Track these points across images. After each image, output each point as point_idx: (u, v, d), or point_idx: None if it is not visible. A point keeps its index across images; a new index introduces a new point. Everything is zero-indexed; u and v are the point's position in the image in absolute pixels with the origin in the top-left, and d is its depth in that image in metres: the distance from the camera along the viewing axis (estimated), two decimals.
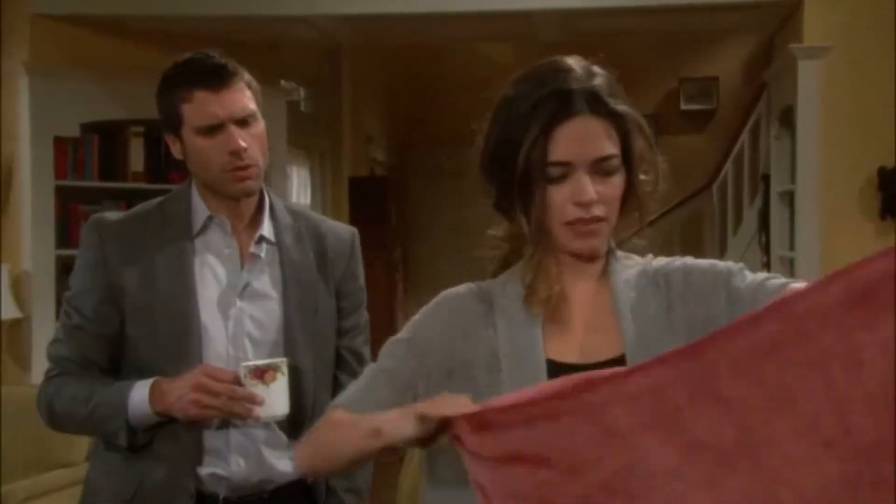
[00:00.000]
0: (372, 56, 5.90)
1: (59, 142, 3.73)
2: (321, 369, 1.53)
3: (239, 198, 1.49)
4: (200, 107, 1.45)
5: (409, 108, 6.71)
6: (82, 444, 3.04)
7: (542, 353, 1.01)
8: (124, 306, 1.46)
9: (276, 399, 1.41)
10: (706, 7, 3.91)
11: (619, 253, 1.08)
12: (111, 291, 1.46)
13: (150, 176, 3.98)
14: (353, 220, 4.92)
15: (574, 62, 1.02)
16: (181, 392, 1.39)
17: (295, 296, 1.51)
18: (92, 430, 1.49)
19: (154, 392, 1.42)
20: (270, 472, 1.49)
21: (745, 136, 5.33)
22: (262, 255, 1.51)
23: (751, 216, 5.09)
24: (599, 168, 0.99)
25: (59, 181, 3.72)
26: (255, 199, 1.53)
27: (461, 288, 1.11)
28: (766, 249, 4.42)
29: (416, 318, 1.11)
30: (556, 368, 1.01)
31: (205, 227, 1.50)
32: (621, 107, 1.00)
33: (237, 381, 1.40)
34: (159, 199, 1.55)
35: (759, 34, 4.56)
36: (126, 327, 1.46)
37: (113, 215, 1.54)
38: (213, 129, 1.45)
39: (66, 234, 3.80)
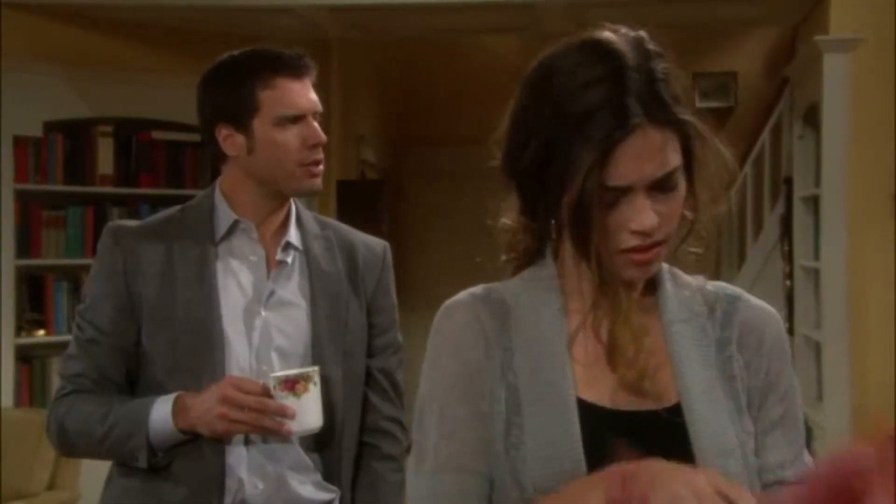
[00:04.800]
0: (363, 50, 5.88)
1: (20, 141, 3.70)
2: (350, 386, 1.54)
3: (305, 196, 1.53)
4: (285, 95, 1.47)
5: (404, 106, 6.69)
6: (42, 474, 3.00)
7: (572, 390, 0.93)
8: (142, 316, 1.46)
9: (308, 411, 1.42)
10: None
11: (668, 270, 1.00)
12: (128, 301, 1.47)
13: (120, 179, 3.96)
14: None
15: (626, 46, 0.91)
16: (207, 406, 1.40)
17: (324, 306, 1.52)
18: (108, 450, 1.47)
19: (177, 407, 1.42)
20: (293, 498, 1.48)
21: (765, 136, 5.31)
22: (289, 261, 1.53)
23: (772, 222, 5.07)
24: (660, 186, 0.90)
25: (18, 185, 3.69)
26: (285, 208, 1.56)
27: (464, 297, 1.00)
28: (789, 258, 4.40)
29: (426, 364, 1.00)
30: (590, 412, 0.93)
31: (229, 233, 1.52)
32: (684, 114, 0.91)
33: (266, 394, 1.40)
34: (180, 205, 1.57)
35: (782, 25, 4.54)
36: (143, 339, 1.47)
37: (130, 222, 1.57)
38: (295, 120, 1.48)
39: (27, 242, 3.76)
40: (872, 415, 3.41)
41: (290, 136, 1.48)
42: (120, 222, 1.57)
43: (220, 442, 1.44)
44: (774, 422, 0.97)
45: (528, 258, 1.02)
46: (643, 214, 0.89)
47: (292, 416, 1.40)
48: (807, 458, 0.99)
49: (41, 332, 3.80)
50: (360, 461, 1.58)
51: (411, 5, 3.89)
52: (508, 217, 1.02)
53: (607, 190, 0.89)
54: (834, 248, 3.67)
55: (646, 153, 0.89)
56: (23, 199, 3.72)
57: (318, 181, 1.52)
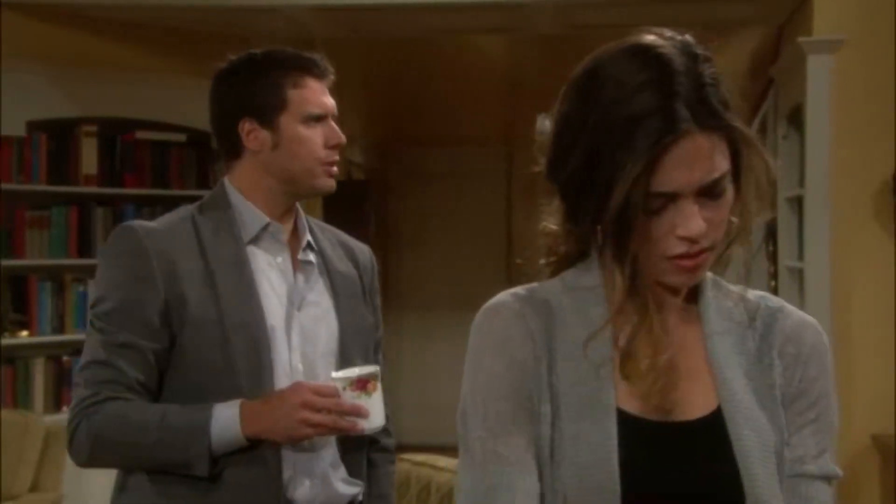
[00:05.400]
0: (350, 50, 5.86)
1: (3, 141, 3.68)
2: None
3: (321, 195, 1.57)
4: (313, 94, 1.53)
5: (391, 106, 6.69)
6: (26, 475, 2.98)
7: (612, 400, 0.92)
8: (183, 320, 1.44)
9: (377, 409, 1.46)
10: None
11: (711, 278, 1.00)
12: (164, 304, 1.44)
13: (104, 179, 3.94)
14: None
15: (673, 50, 0.90)
16: (284, 412, 1.40)
17: (346, 304, 1.58)
18: (159, 459, 1.44)
19: (245, 413, 1.41)
20: (333, 494, 1.52)
21: None
22: (314, 260, 1.57)
23: (757, 223, 5.09)
24: (708, 192, 0.89)
25: (2, 184, 3.67)
26: (295, 209, 1.59)
27: (507, 298, 0.98)
28: (774, 259, 4.42)
29: (468, 364, 0.98)
30: (630, 423, 0.92)
31: (259, 235, 1.53)
32: (733, 119, 0.90)
33: (338, 395, 1.44)
34: (192, 205, 1.56)
35: (766, 26, 4.57)
36: (182, 342, 1.45)
37: (147, 223, 1.53)
38: (319, 120, 1.53)
39: (10, 242, 3.74)
40: (857, 413, 3.43)
41: (315, 134, 1.53)
42: (141, 223, 1.52)
43: (279, 448, 1.45)
44: (802, 425, 0.97)
45: (569, 263, 1.01)
46: (691, 221, 0.89)
47: (366, 416, 1.44)
48: (829, 458, 0.98)
49: (24, 332, 3.78)
50: None
51: (399, 5, 3.89)
52: (550, 221, 1.01)
53: (654, 196, 0.89)
54: (818, 248, 3.69)
55: (694, 159, 0.88)
56: (6, 198, 3.70)
57: (334, 182, 1.57)
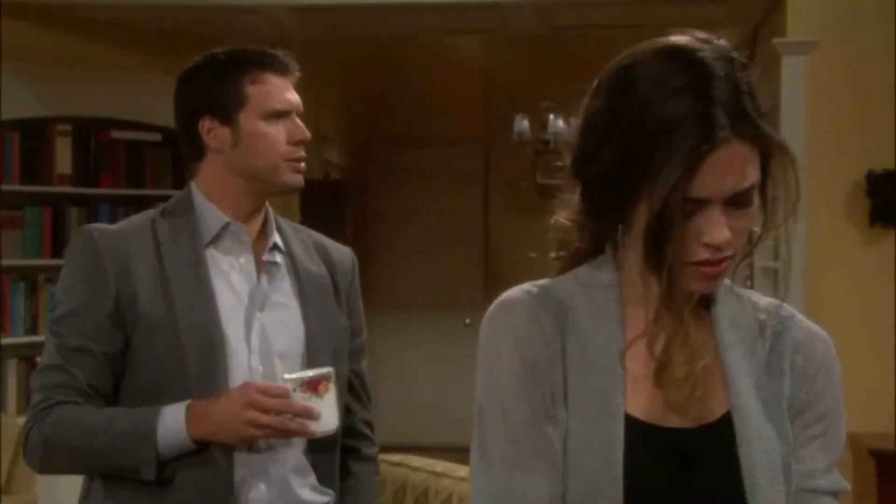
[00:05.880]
0: (327, 49, 5.85)
1: None
2: (340, 387, 1.54)
3: (289, 192, 1.54)
4: (273, 90, 1.50)
5: (369, 106, 6.68)
6: None
7: (620, 406, 0.92)
8: (134, 322, 1.43)
9: (329, 411, 1.43)
10: None
11: (726, 285, 0.99)
12: (116, 307, 1.43)
13: (79, 179, 3.90)
14: None
15: (712, 55, 0.89)
16: (232, 413, 1.38)
17: (314, 306, 1.54)
18: (108, 463, 1.42)
19: (191, 415, 1.39)
20: (294, 500, 1.48)
21: None
22: (279, 261, 1.54)
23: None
24: (737, 200, 0.89)
25: None
26: (264, 208, 1.56)
27: (520, 294, 0.97)
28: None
29: (483, 362, 0.98)
30: (637, 428, 0.92)
31: (218, 236, 1.51)
32: (769, 129, 0.90)
33: (288, 396, 1.41)
34: (156, 207, 1.54)
35: (742, 27, 4.61)
36: (135, 345, 1.43)
37: (107, 225, 1.52)
38: (281, 116, 1.50)
39: None
40: None
41: (276, 130, 1.50)
42: (97, 225, 1.52)
43: (230, 449, 1.42)
44: (811, 438, 0.98)
45: (581, 258, 1.00)
46: (717, 229, 0.89)
47: (317, 417, 1.41)
48: (837, 472, 0.99)
49: None
50: (340, 463, 1.59)
51: (377, 5, 3.88)
52: (564, 215, 0.99)
53: (687, 201, 0.88)
54: (791, 247, 3.73)
55: (728, 167, 0.87)
56: None
57: (301, 177, 1.53)
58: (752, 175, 0.90)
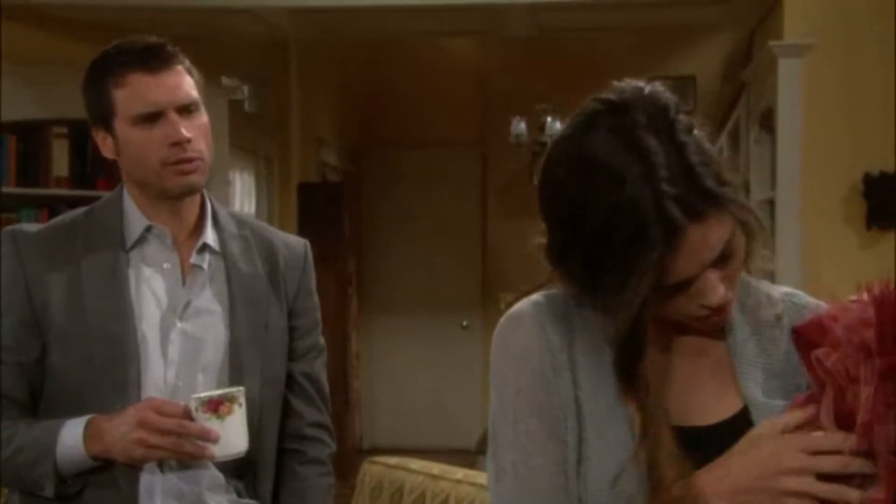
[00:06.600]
0: (323, 51, 5.85)
1: None
2: (268, 392, 1.48)
3: (180, 197, 1.43)
4: (136, 91, 1.39)
5: (365, 108, 6.68)
6: None
7: (633, 412, 0.92)
8: (48, 330, 1.38)
9: (233, 434, 1.34)
10: (680, 1, 3.95)
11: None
12: (31, 313, 1.38)
13: (76, 182, 3.89)
14: (303, 230, 4.86)
15: (649, 128, 0.85)
16: (123, 430, 1.31)
17: (242, 312, 1.45)
18: (12, 478, 1.39)
19: (90, 432, 1.34)
20: None
21: (723, 140, 5.38)
22: (205, 266, 1.46)
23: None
24: (723, 257, 0.88)
25: None
26: (196, 206, 1.47)
27: (528, 308, 0.96)
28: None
29: (493, 378, 0.97)
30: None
31: (141, 239, 1.44)
32: (726, 194, 0.86)
33: (187, 416, 1.33)
34: (86, 207, 1.49)
35: (739, 30, 4.62)
36: (50, 355, 1.38)
37: (32, 227, 1.46)
38: (152, 118, 1.39)
39: None
40: None
41: (150, 134, 1.38)
42: (21, 226, 1.46)
43: (133, 467, 1.36)
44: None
45: None
46: (711, 294, 0.88)
47: (215, 440, 1.32)
48: None
49: None
50: (283, 468, 1.52)
51: (372, 7, 3.88)
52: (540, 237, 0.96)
53: (669, 288, 0.87)
54: (788, 250, 3.74)
55: (697, 249, 0.86)
56: None
57: (194, 178, 1.40)
58: (726, 232, 0.87)
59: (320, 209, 5.51)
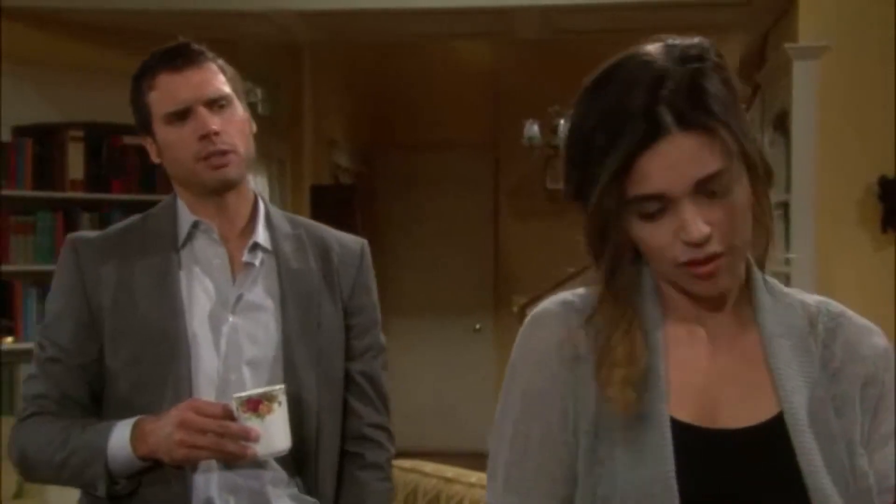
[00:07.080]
0: (335, 54, 5.87)
1: None
2: (326, 391, 1.48)
3: (220, 192, 1.44)
4: (165, 91, 1.43)
5: (377, 110, 6.69)
6: (10, 482, 2.95)
7: (665, 409, 0.89)
8: (103, 332, 1.40)
9: (274, 433, 1.34)
10: (694, 3, 3.94)
11: (764, 279, 0.96)
12: (88, 317, 1.41)
13: (91, 185, 3.91)
14: None
15: (669, 57, 0.87)
16: (165, 432, 1.33)
17: (294, 307, 1.46)
18: (69, 478, 1.41)
19: (136, 433, 1.35)
20: None
21: None
22: (257, 263, 1.47)
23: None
24: (704, 190, 0.86)
25: None
26: (247, 205, 1.50)
27: (555, 307, 0.96)
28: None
29: (507, 375, 0.96)
30: (684, 432, 0.90)
31: (190, 236, 1.46)
32: (723, 116, 0.85)
33: (229, 415, 1.33)
34: (143, 213, 1.52)
35: (752, 32, 4.60)
36: (105, 356, 1.41)
37: (91, 233, 1.51)
38: (182, 115, 1.41)
39: None
40: None
41: (181, 132, 1.41)
42: (81, 234, 1.51)
43: (181, 467, 1.37)
44: (885, 435, 0.94)
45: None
46: (690, 224, 0.85)
47: (256, 439, 1.32)
48: None
49: (9, 339, 3.76)
50: (343, 471, 1.52)
51: (384, 10, 3.89)
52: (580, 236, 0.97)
53: (640, 200, 0.86)
54: (803, 253, 3.72)
55: (678, 160, 0.85)
56: None
57: (227, 171, 1.42)
58: (714, 163, 0.85)
59: (332, 211, 5.52)
